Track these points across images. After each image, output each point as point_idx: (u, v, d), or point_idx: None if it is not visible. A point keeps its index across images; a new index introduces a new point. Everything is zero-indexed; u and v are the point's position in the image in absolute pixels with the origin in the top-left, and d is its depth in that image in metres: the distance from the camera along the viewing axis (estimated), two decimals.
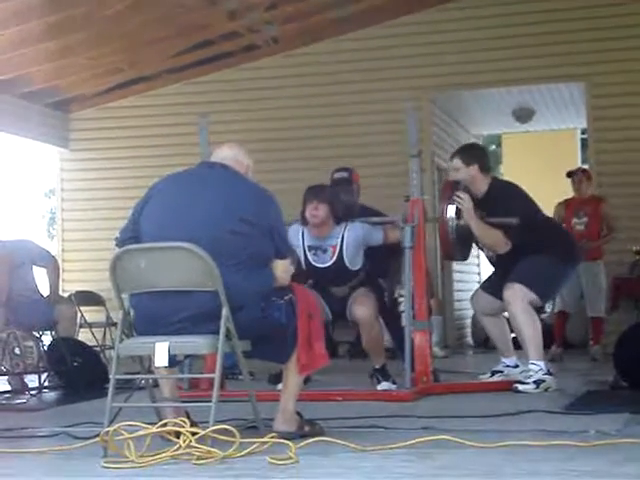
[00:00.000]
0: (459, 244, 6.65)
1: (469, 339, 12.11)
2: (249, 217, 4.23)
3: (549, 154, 15.02)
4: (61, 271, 8.60)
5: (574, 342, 10.23)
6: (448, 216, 6.49)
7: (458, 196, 6.46)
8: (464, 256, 7.09)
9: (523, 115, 12.76)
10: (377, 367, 6.52)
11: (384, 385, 6.39)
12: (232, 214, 4.22)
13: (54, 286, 7.94)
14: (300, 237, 6.48)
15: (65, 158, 11.93)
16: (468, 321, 12.21)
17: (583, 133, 18.97)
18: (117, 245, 4.37)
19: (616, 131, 10.28)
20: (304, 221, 6.43)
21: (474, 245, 6.89)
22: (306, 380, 6.04)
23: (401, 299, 6.93)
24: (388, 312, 6.97)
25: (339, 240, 6.39)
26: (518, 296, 6.37)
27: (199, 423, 4.21)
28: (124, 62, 10.77)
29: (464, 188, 6.61)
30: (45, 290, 7.94)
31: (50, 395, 7.10)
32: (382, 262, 6.70)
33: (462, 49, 10.58)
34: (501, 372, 6.78)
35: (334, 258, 6.41)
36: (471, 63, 10.60)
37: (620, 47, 10.17)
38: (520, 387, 6.19)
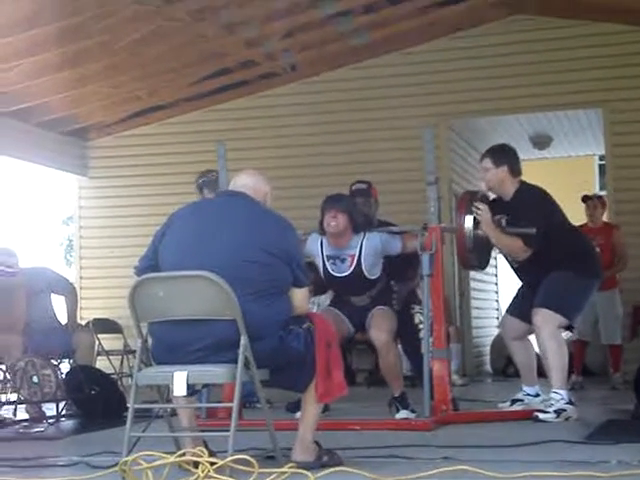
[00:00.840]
0: (477, 253, 6.60)
1: (488, 367, 12.05)
2: (268, 246, 4.23)
3: (566, 181, 15.03)
4: (79, 298, 8.60)
5: (594, 370, 10.18)
6: (466, 226, 6.44)
7: (477, 207, 6.42)
8: (482, 265, 7.05)
9: (541, 142, 12.76)
10: (396, 395, 6.48)
11: (403, 414, 6.35)
12: (251, 243, 4.23)
13: (72, 314, 7.95)
14: (319, 246, 6.50)
15: (83, 186, 11.97)
16: (487, 349, 12.15)
17: (601, 159, 18.97)
18: (136, 274, 4.37)
19: (635, 157, 10.25)
20: (322, 231, 6.44)
21: (494, 254, 6.85)
22: (324, 409, 6.02)
23: (421, 326, 6.90)
24: (407, 335, 6.96)
25: (357, 249, 6.39)
26: (547, 321, 6.31)
27: (217, 453, 4.19)
28: (142, 90, 10.82)
29: (482, 197, 6.58)
30: (63, 318, 7.94)
31: (68, 424, 7.07)
32: (399, 270, 6.67)
33: (479, 76, 10.60)
34: (521, 401, 6.71)
35: (352, 267, 6.40)
36: (488, 90, 10.61)
37: (638, 73, 10.15)
38: (541, 416, 6.13)
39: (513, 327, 6.74)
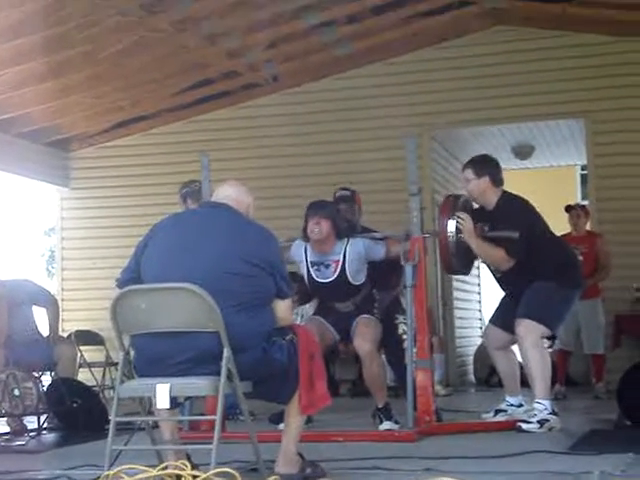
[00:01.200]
0: (460, 258, 6.59)
1: (471, 377, 12.05)
2: (251, 257, 4.22)
3: (548, 191, 15.03)
4: (61, 310, 8.56)
5: (577, 380, 10.20)
6: (449, 230, 6.44)
7: (459, 216, 6.42)
8: (465, 270, 7.02)
9: (523, 152, 12.79)
10: (380, 406, 6.48)
11: (386, 425, 6.34)
12: (234, 255, 4.21)
13: (54, 326, 7.91)
14: (303, 253, 6.53)
15: (65, 197, 11.93)
16: (470, 359, 12.15)
17: (583, 169, 19.03)
18: (118, 286, 4.35)
19: (617, 167, 10.29)
20: (306, 237, 6.45)
21: (477, 263, 6.86)
22: (308, 420, 6.01)
23: (405, 336, 6.89)
24: (391, 345, 6.96)
25: (341, 255, 6.42)
26: (529, 332, 6.32)
27: (200, 466, 4.16)
28: (124, 101, 10.80)
29: (463, 202, 6.59)
30: (45, 330, 7.90)
31: (49, 437, 7.04)
32: (383, 278, 6.69)
33: (462, 86, 10.62)
34: (505, 411, 6.71)
35: (336, 273, 6.42)
36: (471, 100, 10.63)
37: (620, 84, 10.20)
38: (524, 426, 6.12)
39: (496, 337, 6.75)
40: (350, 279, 6.43)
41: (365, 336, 6.39)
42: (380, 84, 10.84)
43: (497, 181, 6.61)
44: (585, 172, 14.89)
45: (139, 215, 10.51)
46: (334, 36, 10.22)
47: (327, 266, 6.45)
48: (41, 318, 7.99)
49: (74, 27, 8.35)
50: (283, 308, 4.38)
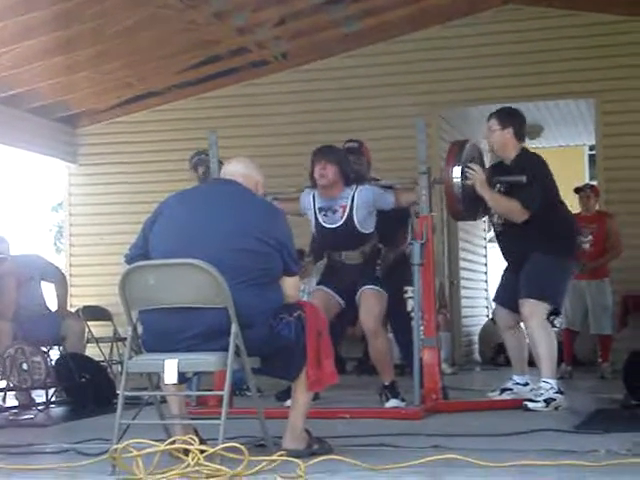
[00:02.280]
0: (467, 204, 6.49)
1: (477, 356, 12.07)
2: (259, 234, 4.23)
3: (557, 170, 14.96)
4: (69, 286, 8.58)
5: (583, 360, 10.20)
6: (454, 177, 6.36)
7: (470, 168, 6.37)
8: (473, 216, 6.96)
9: (532, 131, 12.74)
10: (386, 384, 6.48)
11: (392, 402, 6.35)
12: (242, 232, 4.22)
13: (62, 301, 7.93)
14: (311, 199, 6.44)
15: (73, 173, 11.94)
16: (475, 338, 12.17)
17: (591, 149, 18.99)
18: (127, 262, 4.36)
19: (626, 147, 10.27)
20: (313, 183, 6.38)
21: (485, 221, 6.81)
22: (314, 397, 6.02)
23: (413, 314, 6.86)
24: (399, 322, 6.95)
25: (349, 201, 6.31)
26: (534, 312, 6.33)
27: (208, 440, 4.19)
28: (133, 77, 10.80)
29: (470, 147, 6.53)
30: (53, 305, 7.93)
31: (58, 411, 7.07)
32: (389, 231, 6.61)
33: (471, 65, 10.59)
34: (511, 390, 6.70)
35: (344, 218, 6.31)
36: (480, 79, 10.60)
37: (630, 64, 10.17)
38: (530, 405, 6.14)
39: (504, 317, 6.76)
40: (357, 225, 6.31)
41: (370, 311, 6.33)
42: (388, 62, 10.81)
43: (520, 135, 6.60)
44: (593, 152, 14.86)
45: (147, 191, 10.52)
46: (343, 14, 10.19)
47: (334, 211, 6.34)
48: (49, 293, 8.01)
49: (83, 2, 8.34)
50: (290, 285, 4.39)
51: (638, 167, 10.20)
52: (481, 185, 6.36)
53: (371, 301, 6.36)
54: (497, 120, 6.58)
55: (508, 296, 6.61)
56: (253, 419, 4.37)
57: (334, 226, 6.35)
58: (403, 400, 6.35)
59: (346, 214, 6.30)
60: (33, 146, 11.17)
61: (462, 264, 12.16)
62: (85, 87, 10.71)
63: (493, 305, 7.61)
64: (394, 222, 6.59)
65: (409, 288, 7.01)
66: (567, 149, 15.99)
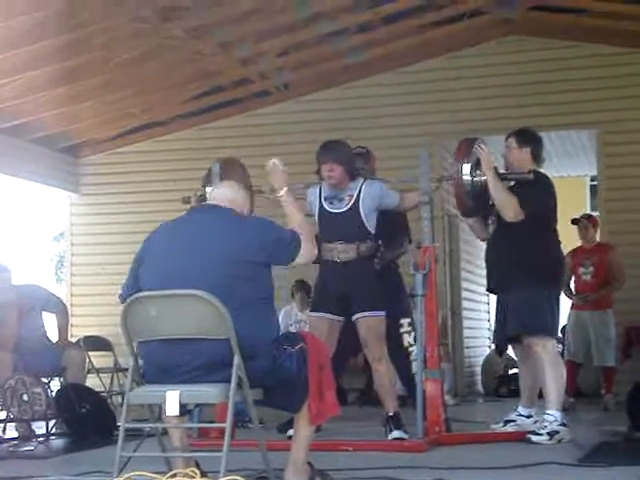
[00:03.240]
0: (475, 200, 6.43)
1: (479, 387, 12.02)
2: (250, 257, 4.18)
3: (558, 201, 14.96)
4: (70, 316, 8.56)
5: (586, 391, 10.16)
6: (464, 172, 6.32)
7: (480, 146, 6.36)
8: (481, 212, 6.77)
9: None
10: (390, 414, 6.40)
11: (396, 434, 6.29)
12: (233, 258, 4.16)
13: (63, 331, 7.91)
14: (317, 192, 6.47)
15: (75, 202, 11.95)
16: (478, 369, 12.13)
17: (592, 180, 19.01)
18: (121, 301, 4.31)
19: (628, 179, 10.28)
20: (320, 177, 6.42)
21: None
22: (317, 429, 5.98)
23: (411, 349, 6.82)
24: (396, 357, 6.90)
25: (357, 191, 6.33)
26: (547, 349, 6.34)
27: (209, 473, 4.15)
28: (137, 107, 10.82)
29: (479, 144, 6.46)
30: (54, 335, 7.90)
31: (58, 442, 7.03)
32: (386, 235, 6.56)
33: (474, 96, 10.62)
34: (514, 421, 6.65)
35: (350, 204, 6.31)
36: (482, 110, 10.63)
37: (632, 95, 10.19)
38: (534, 438, 6.10)
39: (523, 349, 6.68)
40: (362, 215, 6.29)
41: (371, 338, 6.27)
42: (391, 93, 10.84)
43: (537, 157, 6.61)
44: (595, 183, 14.87)
45: (149, 221, 10.35)
46: (346, 44, 10.22)
47: (341, 199, 6.36)
48: (50, 324, 7.98)
49: (88, 33, 8.38)
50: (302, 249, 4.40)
51: None
52: (487, 164, 6.33)
53: (372, 328, 6.29)
54: (515, 139, 6.61)
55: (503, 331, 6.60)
56: (255, 451, 4.34)
57: (339, 211, 6.35)
58: (406, 432, 6.31)
59: (352, 201, 6.32)
60: (35, 176, 11.19)
61: (464, 294, 12.14)
62: (89, 117, 10.74)
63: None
64: (390, 225, 6.57)
65: (405, 321, 6.95)
66: (568, 180, 15.99)
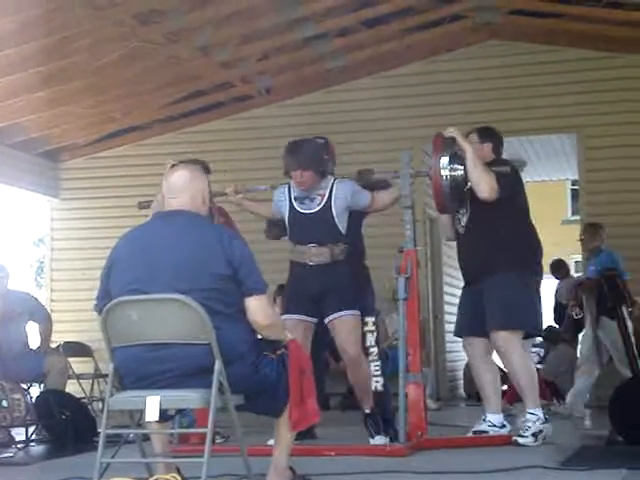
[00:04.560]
0: (454, 195, 6.33)
1: (461, 391, 12.02)
2: (218, 269, 4.11)
3: (539, 205, 14.96)
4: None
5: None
6: (442, 166, 6.22)
7: (451, 129, 6.34)
8: (458, 207, 6.62)
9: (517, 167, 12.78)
10: (367, 412, 6.37)
11: (378, 440, 6.26)
12: (198, 269, 4.10)
13: (45, 340, 7.88)
14: (286, 192, 6.37)
15: (55, 207, 11.89)
16: (460, 373, 12.13)
17: (573, 184, 19.08)
18: (97, 312, 4.25)
19: (609, 183, 10.30)
20: (290, 176, 6.30)
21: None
22: (310, 436, 5.96)
23: (372, 349, 6.64)
24: None
25: (328, 190, 6.25)
26: (510, 344, 6.21)
27: (190, 479, 4.12)
28: (117, 111, 10.79)
29: (452, 140, 6.38)
30: (35, 342, 7.86)
31: (37, 449, 6.98)
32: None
33: (454, 100, 10.61)
34: (486, 432, 6.43)
35: (322, 204, 6.23)
36: (463, 114, 10.60)
37: (612, 99, 10.23)
38: (520, 440, 6.06)
39: (479, 347, 6.52)
40: (334, 214, 6.20)
41: (348, 338, 6.20)
42: (373, 97, 10.84)
43: (498, 152, 6.61)
44: (575, 187, 14.91)
45: (129, 226, 10.38)
46: (327, 48, 10.22)
47: (312, 199, 6.26)
48: (32, 331, 7.95)
49: (66, 37, 8.33)
50: (253, 307, 4.14)
51: (621, 202, 10.24)
52: (462, 138, 6.33)
53: (348, 327, 6.22)
54: (477, 135, 6.62)
55: (479, 322, 6.36)
56: (236, 457, 4.31)
57: (310, 211, 6.26)
58: (387, 435, 6.27)
59: (324, 201, 6.24)
60: (15, 181, 11.12)
61: (446, 298, 12.14)
62: (68, 121, 10.69)
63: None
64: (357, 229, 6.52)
65: (369, 319, 6.62)
66: (550, 184, 16.05)
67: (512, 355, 6.25)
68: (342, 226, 6.26)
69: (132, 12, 8.35)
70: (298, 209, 6.29)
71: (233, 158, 11.09)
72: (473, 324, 6.47)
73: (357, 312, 6.26)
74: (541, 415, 6.21)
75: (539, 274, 6.52)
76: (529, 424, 6.16)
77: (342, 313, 6.21)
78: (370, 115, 10.79)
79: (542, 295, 6.67)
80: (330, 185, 6.28)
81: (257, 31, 9.52)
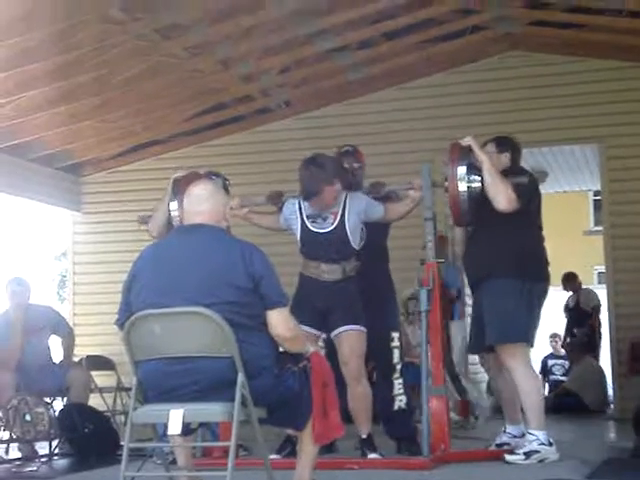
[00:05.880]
0: (471, 207, 6.16)
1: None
2: (237, 281, 4.10)
3: (561, 215, 14.99)
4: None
5: (592, 406, 10.13)
6: (459, 175, 6.07)
7: (468, 138, 6.21)
8: (474, 219, 6.44)
9: (536, 177, 12.75)
10: (364, 437, 6.23)
11: (372, 457, 6.13)
12: (219, 283, 4.10)
13: (68, 353, 7.91)
14: (297, 209, 6.23)
15: (77, 221, 11.93)
16: (483, 385, 12.06)
17: (595, 195, 19.02)
18: (119, 327, 4.26)
19: (631, 193, 10.23)
20: (305, 196, 6.13)
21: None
22: (329, 450, 5.92)
23: (398, 366, 6.59)
24: (381, 371, 6.71)
25: (340, 207, 6.10)
26: (515, 359, 6.03)
27: None
28: (138, 125, 10.81)
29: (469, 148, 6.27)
30: (58, 356, 7.88)
31: (61, 462, 7.00)
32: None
33: (476, 111, 10.58)
34: (508, 444, 6.33)
35: (335, 223, 6.07)
36: (485, 125, 10.58)
37: (635, 109, 10.15)
38: (508, 457, 5.88)
39: (490, 361, 6.46)
40: (348, 232, 6.07)
41: (352, 354, 6.04)
42: (394, 109, 10.82)
43: (515, 163, 6.46)
44: (598, 198, 14.85)
45: (151, 240, 10.46)
46: (347, 61, 10.22)
47: (325, 218, 6.11)
48: (55, 344, 7.98)
49: (87, 52, 8.35)
50: (275, 321, 4.15)
51: None
52: (480, 148, 6.18)
53: (352, 341, 6.07)
54: (495, 144, 6.48)
55: (484, 336, 6.21)
56: (260, 470, 4.30)
57: (324, 230, 6.11)
58: (382, 455, 6.18)
59: (338, 219, 6.09)
60: (37, 195, 11.17)
61: (469, 310, 12.07)
62: (89, 136, 10.72)
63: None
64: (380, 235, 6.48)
65: (395, 335, 6.62)
66: (571, 195, 15.99)
67: (514, 372, 6.07)
68: (355, 242, 6.15)
69: (153, 26, 8.37)
70: (311, 228, 6.16)
71: (255, 171, 11.09)
72: (481, 339, 6.29)
73: (362, 328, 6.10)
74: (541, 437, 5.94)
75: (540, 282, 6.25)
76: (525, 443, 5.96)
77: (347, 327, 6.07)
78: (390, 127, 10.77)
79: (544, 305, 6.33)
80: (343, 202, 6.14)
81: (277, 44, 9.54)
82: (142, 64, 8.97)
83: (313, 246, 6.16)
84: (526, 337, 6.11)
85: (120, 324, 4.27)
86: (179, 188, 6.44)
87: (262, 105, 11.04)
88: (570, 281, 12.48)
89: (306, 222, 6.17)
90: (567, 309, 12.67)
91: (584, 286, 13.00)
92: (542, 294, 6.24)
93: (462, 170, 6.11)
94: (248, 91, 10.57)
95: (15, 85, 8.59)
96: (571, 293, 12.64)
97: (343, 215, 6.11)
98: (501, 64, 10.72)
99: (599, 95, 10.31)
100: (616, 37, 9.80)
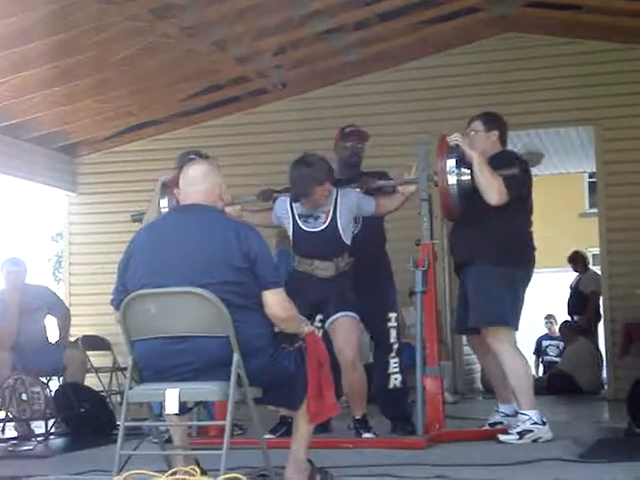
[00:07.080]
0: (462, 202, 6.14)
1: (479, 384, 12.01)
2: (233, 261, 4.12)
3: (557, 197, 15.00)
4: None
5: (585, 388, 10.18)
6: (448, 168, 6.04)
7: (452, 136, 6.14)
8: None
9: (532, 159, 12.75)
10: (358, 417, 6.29)
11: (367, 436, 6.21)
12: (216, 262, 4.12)
13: (64, 333, 7.93)
14: (288, 208, 6.24)
15: (73, 202, 11.93)
16: (477, 366, 12.10)
17: (590, 177, 19.02)
18: (115, 307, 4.28)
19: (626, 174, 10.25)
20: (295, 195, 6.14)
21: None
22: (325, 429, 5.94)
23: (395, 346, 6.61)
24: (377, 354, 6.78)
25: (332, 206, 6.13)
26: (501, 341, 6.07)
27: (209, 471, 4.14)
28: (134, 106, 10.81)
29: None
30: (54, 335, 7.90)
31: (57, 442, 7.02)
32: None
33: (471, 93, 10.58)
34: (501, 423, 6.38)
35: (327, 222, 6.11)
36: (480, 107, 10.53)
37: (630, 91, 10.16)
38: (501, 437, 5.92)
39: (480, 343, 6.42)
40: (340, 230, 6.11)
41: (347, 341, 6.09)
42: (389, 90, 10.82)
43: (503, 140, 6.39)
44: (593, 179, 14.87)
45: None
46: (342, 42, 10.22)
47: (317, 218, 6.15)
48: (50, 325, 7.99)
49: (83, 32, 8.35)
50: (272, 301, 4.18)
51: (639, 194, 10.19)
52: (468, 146, 6.10)
53: (348, 330, 6.11)
54: (481, 122, 6.40)
55: (465, 319, 6.27)
56: (255, 449, 4.33)
57: (316, 230, 6.15)
58: (375, 434, 6.24)
59: (329, 218, 6.13)
60: (33, 175, 11.16)
61: None
62: (85, 116, 10.72)
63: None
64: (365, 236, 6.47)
65: (392, 315, 6.65)
66: (567, 176, 15.99)
67: (501, 355, 6.09)
68: (347, 237, 6.19)
69: (149, 7, 8.36)
70: (303, 227, 6.19)
71: (251, 152, 11.11)
72: (466, 321, 6.32)
73: (355, 315, 6.16)
74: (534, 417, 5.99)
75: (523, 266, 6.24)
76: (518, 423, 6.00)
77: (340, 314, 6.12)
78: (385, 108, 10.77)
79: (526, 290, 6.30)
80: (334, 199, 6.16)
81: (272, 25, 9.53)
82: (137, 45, 8.97)
83: (306, 245, 6.21)
84: (507, 320, 6.13)
85: (116, 304, 4.29)
86: (167, 189, 6.47)
87: (258, 86, 11.03)
88: (573, 261, 12.33)
89: (298, 221, 6.21)
90: (570, 288, 12.56)
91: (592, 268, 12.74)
92: (526, 278, 6.25)
93: (451, 163, 6.09)
94: (243, 72, 10.57)
95: (10, 65, 8.59)
96: (577, 273, 12.48)
97: (335, 213, 6.15)
98: (496, 46, 10.71)
99: (595, 77, 10.31)
100: (613, 19, 9.81)
